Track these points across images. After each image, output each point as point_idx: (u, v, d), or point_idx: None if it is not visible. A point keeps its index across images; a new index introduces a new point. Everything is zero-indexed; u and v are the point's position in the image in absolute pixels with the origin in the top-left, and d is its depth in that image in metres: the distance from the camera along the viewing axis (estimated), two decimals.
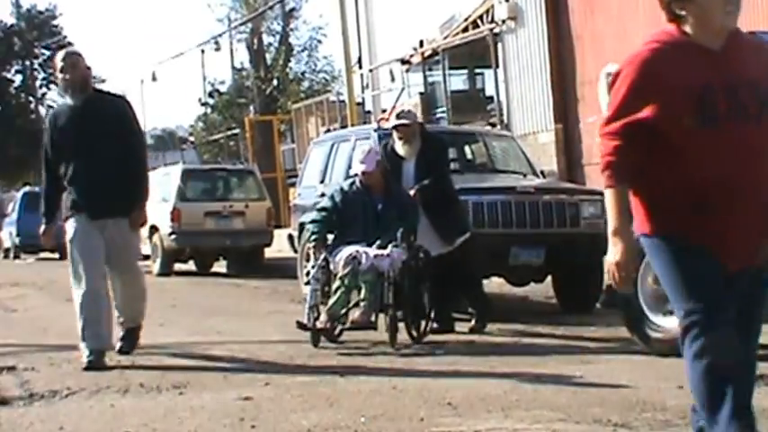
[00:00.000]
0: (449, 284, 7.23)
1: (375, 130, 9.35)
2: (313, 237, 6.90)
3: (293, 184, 15.59)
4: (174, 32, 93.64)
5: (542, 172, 9.77)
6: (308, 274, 6.92)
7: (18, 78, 41.43)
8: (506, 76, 16.00)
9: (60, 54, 6.28)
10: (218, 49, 32.11)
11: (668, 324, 5.87)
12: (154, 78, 32.31)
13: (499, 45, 16.14)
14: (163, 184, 15.44)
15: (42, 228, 6.29)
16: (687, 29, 3.04)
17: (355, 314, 6.47)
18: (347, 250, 6.61)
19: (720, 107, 2.94)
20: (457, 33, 17.93)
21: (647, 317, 6.05)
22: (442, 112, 18.67)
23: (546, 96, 14.97)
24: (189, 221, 14.81)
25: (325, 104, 22.93)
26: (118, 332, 6.33)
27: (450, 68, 18.88)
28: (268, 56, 32.94)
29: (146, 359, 6.13)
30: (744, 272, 3.03)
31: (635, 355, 6.03)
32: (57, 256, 18.91)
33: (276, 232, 15.59)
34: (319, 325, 6.51)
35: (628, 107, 3.00)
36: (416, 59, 19.64)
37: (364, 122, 18.41)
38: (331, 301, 6.53)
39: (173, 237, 14.77)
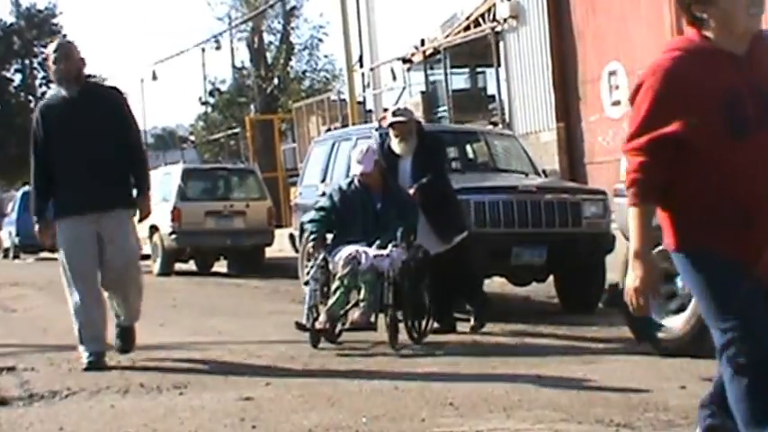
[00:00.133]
0: (449, 284, 7.20)
1: (376, 129, 9.32)
2: (311, 236, 6.86)
3: (294, 184, 15.56)
4: (175, 31, 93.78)
5: (544, 171, 9.74)
6: (308, 273, 6.87)
7: (17, 77, 41.41)
8: (508, 75, 15.99)
9: (53, 44, 6.17)
10: (218, 48, 32.14)
11: (671, 324, 5.86)
12: (154, 77, 32.32)
13: (501, 44, 16.13)
14: (163, 183, 15.42)
15: (37, 227, 6.14)
16: (709, 33, 2.90)
17: (355, 315, 6.42)
18: (346, 250, 6.58)
19: (749, 114, 2.82)
20: (458, 32, 17.92)
21: (649, 317, 6.00)
22: (444, 111, 18.66)
23: (548, 95, 14.96)
24: (189, 221, 14.79)
25: (326, 103, 22.92)
26: (112, 329, 6.20)
27: (452, 67, 18.87)
28: (269, 54, 32.91)
29: (146, 359, 6.11)
30: None
31: (637, 356, 6.00)
32: (56, 255, 18.89)
33: (277, 232, 15.57)
34: (318, 326, 6.47)
35: (652, 121, 2.86)
36: (418, 58, 19.62)
37: (365, 121, 18.39)
38: (330, 302, 6.48)
39: (173, 236, 14.75)
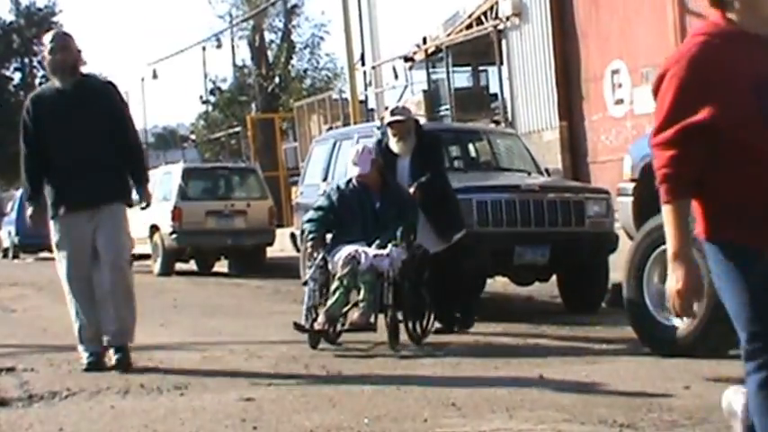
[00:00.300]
0: (449, 283, 7.15)
1: (378, 128, 9.29)
2: (310, 236, 6.79)
3: (295, 183, 15.54)
4: (175, 29, 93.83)
5: (547, 170, 9.72)
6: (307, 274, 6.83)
7: (17, 76, 41.40)
8: (510, 74, 15.95)
9: (50, 34, 6.03)
10: (219, 47, 32.10)
11: (674, 324, 5.82)
12: (155, 76, 32.30)
13: (503, 42, 16.10)
14: (164, 182, 15.42)
15: (29, 210, 5.92)
16: (733, 16, 2.77)
17: (354, 315, 6.37)
18: (346, 250, 6.52)
19: None
20: (460, 30, 17.88)
21: (653, 317, 5.98)
22: (446, 109, 18.63)
23: (550, 94, 14.93)
24: (190, 221, 14.76)
25: (327, 102, 22.89)
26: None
27: (454, 65, 18.83)
28: (270, 53, 32.88)
29: (146, 360, 6.08)
30: None
31: (641, 356, 5.99)
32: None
33: (278, 231, 15.55)
34: (317, 326, 6.42)
35: (680, 111, 2.70)
36: (420, 56, 19.59)
37: (367, 120, 18.36)
38: (329, 302, 6.43)
39: (174, 236, 14.73)
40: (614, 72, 13.97)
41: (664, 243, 6.39)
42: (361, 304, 6.38)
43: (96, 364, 5.75)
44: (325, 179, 10.08)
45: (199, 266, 16.27)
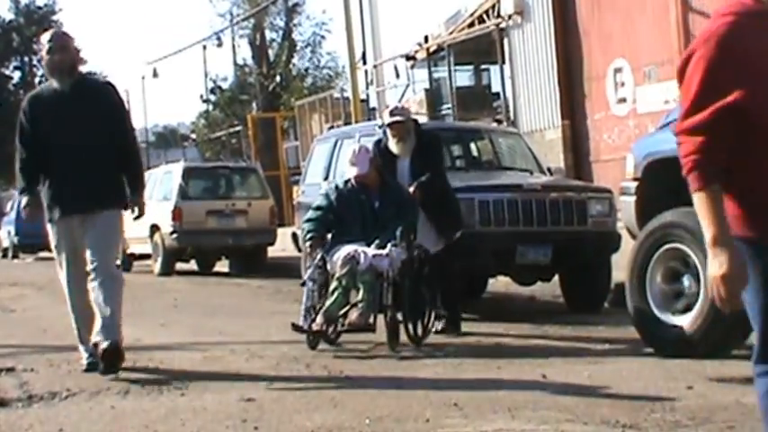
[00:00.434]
0: (449, 283, 7.10)
1: (379, 127, 9.27)
2: (308, 235, 6.73)
3: (296, 182, 15.52)
4: (176, 28, 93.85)
5: (549, 169, 9.69)
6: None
7: (17, 75, 41.43)
8: (513, 72, 15.94)
9: (48, 34, 5.89)
10: (219, 45, 32.14)
11: (677, 323, 5.80)
12: (155, 75, 32.30)
13: (505, 40, 16.09)
14: (164, 182, 15.41)
15: (24, 200, 5.75)
16: None
17: (353, 315, 6.32)
18: (345, 250, 6.48)
19: None
20: (462, 29, 17.86)
21: (656, 316, 5.96)
22: (448, 108, 18.62)
23: (553, 92, 14.91)
24: (190, 220, 14.74)
25: (328, 101, 22.89)
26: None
27: (456, 64, 18.82)
28: (271, 52, 32.89)
29: (147, 360, 6.06)
30: None
31: (644, 356, 5.96)
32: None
33: (279, 231, 15.52)
34: (315, 327, 6.37)
35: (710, 93, 2.55)
36: (421, 55, 19.58)
37: (368, 119, 18.35)
38: (328, 303, 6.38)
39: (174, 236, 14.71)
40: (617, 71, 13.95)
41: (667, 242, 6.36)
42: (359, 305, 6.33)
43: (96, 365, 5.71)
44: (326, 178, 10.05)
45: (199, 266, 16.26)
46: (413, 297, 6.56)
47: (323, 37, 33.53)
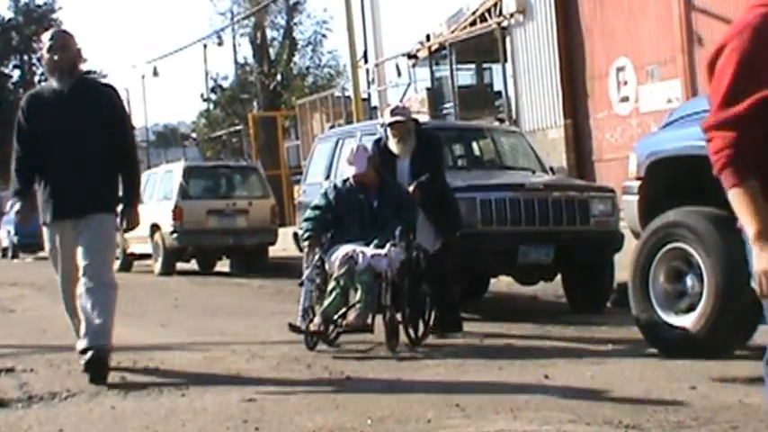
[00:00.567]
0: (447, 284, 7.06)
1: (381, 126, 9.24)
2: (307, 235, 6.68)
3: (298, 182, 15.51)
4: (176, 27, 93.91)
5: (551, 168, 9.67)
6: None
7: (16, 73, 41.43)
8: (515, 71, 15.93)
9: (49, 32, 5.79)
10: (220, 44, 32.12)
11: (681, 323, 5.77)
12: (155, 73, 32.27)
13: (507, 39, 16.07)
14: (165, 181, 15.40)
15: (17, 206, 5.62)
16: None
17: (350, 316, 6.28)
18: (343, 250, 6.43)
19: None
20: (464, 27, 17.85)
21: (659, 316, 5.93)
22: (450, 107, 18.63)
23: (555, 91, 14.89)
24: (191, 220, 14.72)
25: (330, 100, 22.89)
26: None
27: (458, 63, 18.82)
28: (272, 50, 32.89)
29: (147, 360, 6.04)
30: None
31: (646, 356, 5.93)
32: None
33: (280, 230, 15.51)
34: (312, 327, 6.33)
35: (744, 85, 2.48)
36: (423, 54, 19.57)
37: (370, 118, 18.33)
38: (325, 303, 6.34)
39: (174, 235, 14.69)
40: (619, 69, 13.93)
41: (670, 242, 6.31)
42: (357, 305, 6.29)
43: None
44: (327, 177, 10.03)
45: (200, 266, 16.24)
46: (412, 297, 6.52)
47: (324, 35, 33.56)
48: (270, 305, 9.95)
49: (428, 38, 19.39)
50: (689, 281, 5.78)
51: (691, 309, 5.77)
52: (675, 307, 5.86)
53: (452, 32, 18.37)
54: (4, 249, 24.12)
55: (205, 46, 32.35)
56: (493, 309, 9.23)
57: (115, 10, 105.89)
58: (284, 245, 14.50)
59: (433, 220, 7.07)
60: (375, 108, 21.53)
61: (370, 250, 6.39)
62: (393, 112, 7.37)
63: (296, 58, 33.46)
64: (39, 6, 41.02)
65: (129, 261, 15.92)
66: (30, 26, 40.14)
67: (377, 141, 7.43)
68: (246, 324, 8.25)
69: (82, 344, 5.39)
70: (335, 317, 6.34)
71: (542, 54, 15.09)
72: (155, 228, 14.84)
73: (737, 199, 2.51)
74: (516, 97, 15.99)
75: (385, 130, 7.46)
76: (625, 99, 13.90)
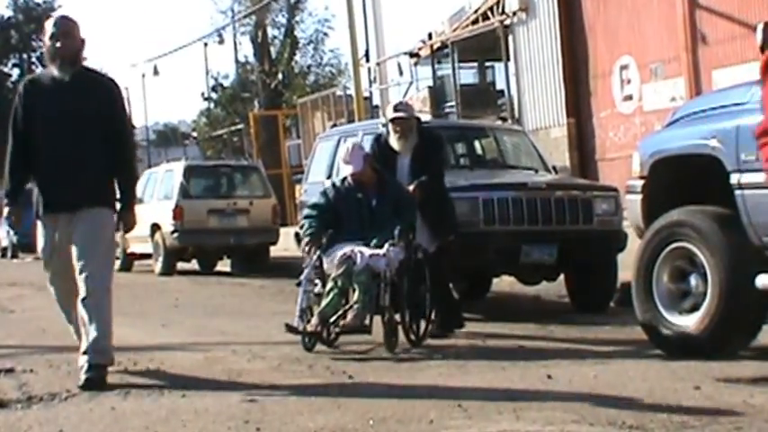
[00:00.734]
0: (442, 285, 7.02)
1: (383, 125, 9.22)
2: (307, 233, 6.63)
3: (299, 181, 15.50)
4: (176, 25, 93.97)
5: (554, 167, 9.65)
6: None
7: (15, 72, 41.40)
8: (517, 70, 15.90)
9: (53, 19, 5.62)
10: (221, 43, 32.07)
11: (684, 323, 5.74)
12: (156, 72, 32.24)
13: (510, 37, 16.05)
14: (165, 180, 15.39)
15: (6, 210, 5.45)
16: None
17: (348, 317, 6.23)
18: (341, 249, 6.39)
19: None
20: (466, 25, 17.83)
21: (662, 316, 5.90)
22: (452, 106, 18.61)
23: (558, 90, 14.87)
24: (192, 219, 14.70)
25: (331, 99, 22.87)
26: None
27: (460, 61, 18.81)
28: (273, 49, 32.87)
29: (147, 360, 6.02)
30: None
31: (650, 356, 5.91)
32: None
33: (282, 230, 15.50)
34: (310, 328, 6.29)
35: None
36: (425, 52, 19.57)
37: (371, 117, 18.32)
38: (323, 303, 6.30)
39: (175, 235, 14.67)
40: (623, 68, 13.90)
41: (673, 241, 6.28)
42: (355, 306, 6.24)
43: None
44: (329, 176, 10.00)
45: (201, 266, 16.23)
46: (411, 298, 6.48)
47: (325, 34, 33.57)
48: (271, 305, 9.93)
49: (430, 36, 19.38)
50: (693, 280, 5.75)
51: (694, 308, 5.74)
52: (679, 307, 5.83)
53: (454, 31, 18.35)
54: (4, 249, 24.12)
55: (206, 44, 32.37)
56: (495, 309, 9.22)
57: (115, 8, 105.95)
58: (285, 245, 14.49)
59: (428, 222, 7.03)
60: (377, 107, 21.52)
61: (368, 250, 6.34)
62: (396, 108, 7.34)
63: (297, 57, 33.49)
64: (38, 5, 41.01)
65: (129, 261, 15.91)
66: (29, 24, 40.12)
67: (377, 137, 7.41)
68: (247, 324, 8.23)
69: (83, 359, 5.25)
70: (333, 317, 6.30)
71: (545, 52, 15.06)
72: (155, 227, 14.83)
73: None
74: (519, 96, 15.97)
75: (387, 126, 7.43)
76: (628, 97, 13.87)
